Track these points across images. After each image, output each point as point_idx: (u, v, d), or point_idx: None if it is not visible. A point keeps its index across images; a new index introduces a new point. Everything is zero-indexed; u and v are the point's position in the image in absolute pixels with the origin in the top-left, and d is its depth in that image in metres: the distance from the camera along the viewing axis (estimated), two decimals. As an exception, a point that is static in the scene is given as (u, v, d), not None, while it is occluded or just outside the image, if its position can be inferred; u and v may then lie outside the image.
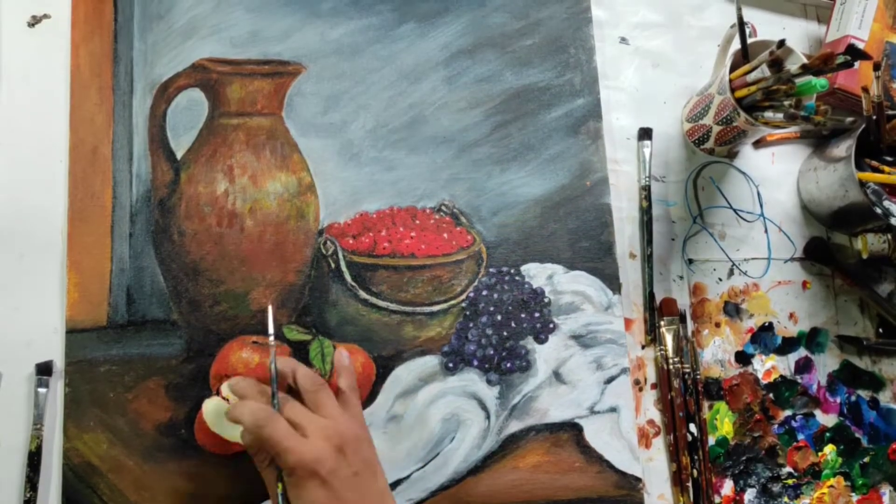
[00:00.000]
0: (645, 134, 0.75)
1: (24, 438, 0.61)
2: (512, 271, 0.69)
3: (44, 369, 0.62)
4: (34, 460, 0.60)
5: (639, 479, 0.66)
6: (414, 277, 0.68)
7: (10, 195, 0.65)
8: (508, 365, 0.67)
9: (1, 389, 0.62)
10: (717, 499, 0.69)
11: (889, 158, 0.72)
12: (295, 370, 0.58)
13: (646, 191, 0.73)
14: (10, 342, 0.63)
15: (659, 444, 0.69)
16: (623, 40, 0.78)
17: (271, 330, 0.58)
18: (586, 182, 0.72)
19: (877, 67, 0.69)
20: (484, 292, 0.69)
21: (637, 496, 0.66)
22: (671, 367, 0.69)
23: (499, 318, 0.68)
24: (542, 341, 0.69)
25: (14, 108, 0.67)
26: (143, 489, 0.61)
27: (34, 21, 0.68)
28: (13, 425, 0.61)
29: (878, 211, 0.68)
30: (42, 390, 0.61)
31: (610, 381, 0.68)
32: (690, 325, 0.72)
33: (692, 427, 0.68)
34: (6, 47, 0.68)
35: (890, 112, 0.71)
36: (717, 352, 0.72)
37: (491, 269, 0.69)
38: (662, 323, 0.71)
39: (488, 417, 0.66)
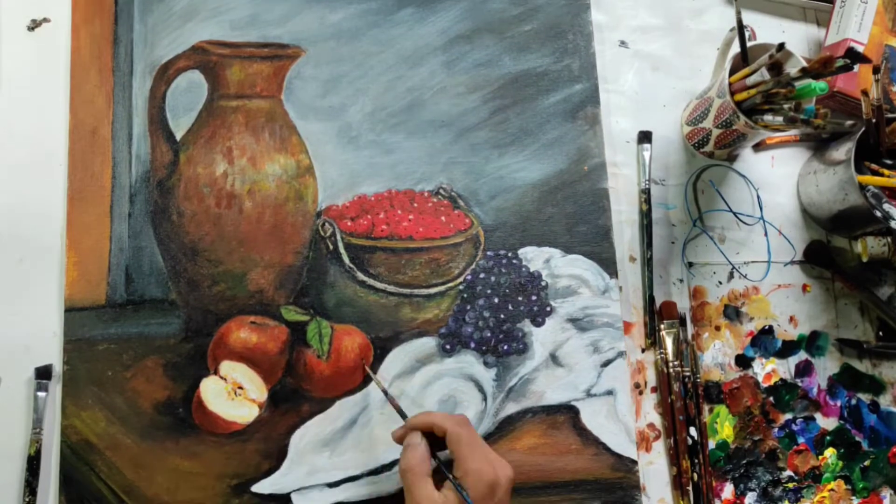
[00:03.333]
0: (644, 137, 0.75)
1: (23, 443, 0.61)
2: (509, 255, 0.70)
3: (43, 373, 0.62)
4: (33, 464, 0.60)
5: (635, 462, 0.67)
6: (411, 260, 0.68)
7: (9, 199, 0.65)
8: (505, 347, 0.68)
9: (0, 394, 0.62)
10: (717, 503, 0.69)
11: (889, 162, 0.72)
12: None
13: (645, 194, 0.73)
14: (9, 346, 0.63)
15: (659, 447, 0.69)
16: (622, 44, 0.78)
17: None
18: (584, 167, 0.72)
19: (876, 71, 0.69)
20: (481, 275, 0.69)
21: (633, 479, 0.66)
22: (671, 370, 0.69)
23: (496, 300, 0.69)
24: (539, 324, 0.69)
25: (12, 110, 0.67)
26: (141, 467, 0.61)
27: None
28: (12, 429, 0.61)
29: (878, 214, 0.68)
30: (41, 394, 0.61)
31: (606, 364, 0.69)
32: (690, 329, 0.72)
33: (692, 430, 0.68)
34: (6, 48, 0.68)
35: (889, 115, 0.71)
36: (717, 355, 0.72)
37: (488, 253, 0.69)
38: (662, 326, 0.70)
39: (485, 399, 0.67)
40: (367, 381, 0.65)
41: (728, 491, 0.69)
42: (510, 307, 0.69)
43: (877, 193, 0.68)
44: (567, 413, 0.67)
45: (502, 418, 0.66)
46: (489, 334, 0.68)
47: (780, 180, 0.77)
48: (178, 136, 0.67)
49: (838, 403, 0.73)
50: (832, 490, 0.71)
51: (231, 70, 0.69)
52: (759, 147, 0.78)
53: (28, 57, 0.68)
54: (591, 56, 0.75)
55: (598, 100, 0.74)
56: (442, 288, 0.68)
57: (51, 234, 0.65)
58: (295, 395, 0.64)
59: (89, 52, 0.68)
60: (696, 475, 0.68)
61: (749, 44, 0.68)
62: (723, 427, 0.70)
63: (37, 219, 0.65)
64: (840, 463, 0.72)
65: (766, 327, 0.73)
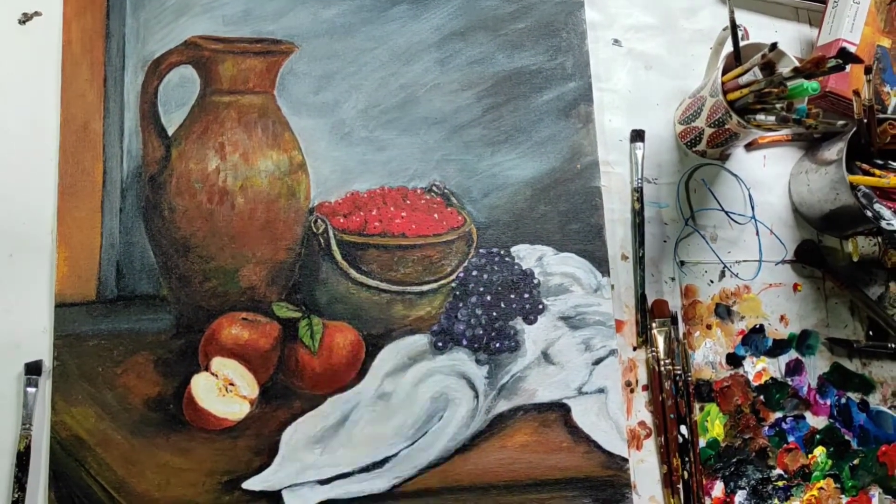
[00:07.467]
0: (637, 136, 0.75)
1: (12, 439, 0.61)
2: (502, 252, 0.70)
3: (33, 369, 0.61)
4: (23, 460, 0.60)
5: (625, 460, 0.67)
6: (404, 257, 0.68)
7: (-1, 195, 0.65)
8: (497, 345, 0.68)
9: (-10, 390, 0.62)
10: (707, 500, 0.69)
11: (880, 162, 0.72)
12: None
13: (638, 192, 0.73)
14: (0, 343, 0.63)
15: (650, 445, 0.69)
16: (616, 42, 0.78)
17: None
18: (577, 165, 0.72)
19: (868, 71, 0.69)
20: (474, 273, 0.69)
21: (624, 476, 0.66)
22: (662, 368, 0.69)
23: (488, 298, 0.69)
24: (531, 322, 0.69)
25: (2, 104, 0.66)
26: (131, 463, 0.61)
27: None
28: (2, 425, 0.61)
29: (869, 214, 0.68)
30: (31, 390, 0.61)
31: (598, 362, 0.69)
32: (682, 327, 0.72)
33: (683, 429, 0.68)
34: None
35: (880, 115, 0.71)
36: (709, 354, 0.72)
37: (481, 250, 0.69)
38: (654, 325, 0.71)
39: (477, 397, 0.67)
40: (359, 377, 0.65)
41: (718, 489, 0.70)
42: (502, 305, 0.69)
43: (868, 193, 0.69)
44: (558, 411, 0.67)
45: (494, 416, 0.66)
46: (481, 332, 0.68)
47: (771, 180, 0.78)
48: (170, 131, 0.67)
49: (828, 402, 0.74)
50: (821, 488, 0.72)
51: (224, 65, 0.69)
52: (751, 146, 0.78)
53: (19, 51, 0.68)
54: (585, 54, 0.75)
55: (591, 98, 0.74)
56: (434, 285, 0.68)
57: (41, 230, 0.65)
58: (286, 392, 0.64)
59: (81, 47, 0.67)
60: (686, 473, 0.68)
61: (742, 43, 0.68)
62: (713, 425, 0.71)
63: (27, 214, 0.65)
64: (829, 461, 0.72)
65: (757, 326, 0.74)
